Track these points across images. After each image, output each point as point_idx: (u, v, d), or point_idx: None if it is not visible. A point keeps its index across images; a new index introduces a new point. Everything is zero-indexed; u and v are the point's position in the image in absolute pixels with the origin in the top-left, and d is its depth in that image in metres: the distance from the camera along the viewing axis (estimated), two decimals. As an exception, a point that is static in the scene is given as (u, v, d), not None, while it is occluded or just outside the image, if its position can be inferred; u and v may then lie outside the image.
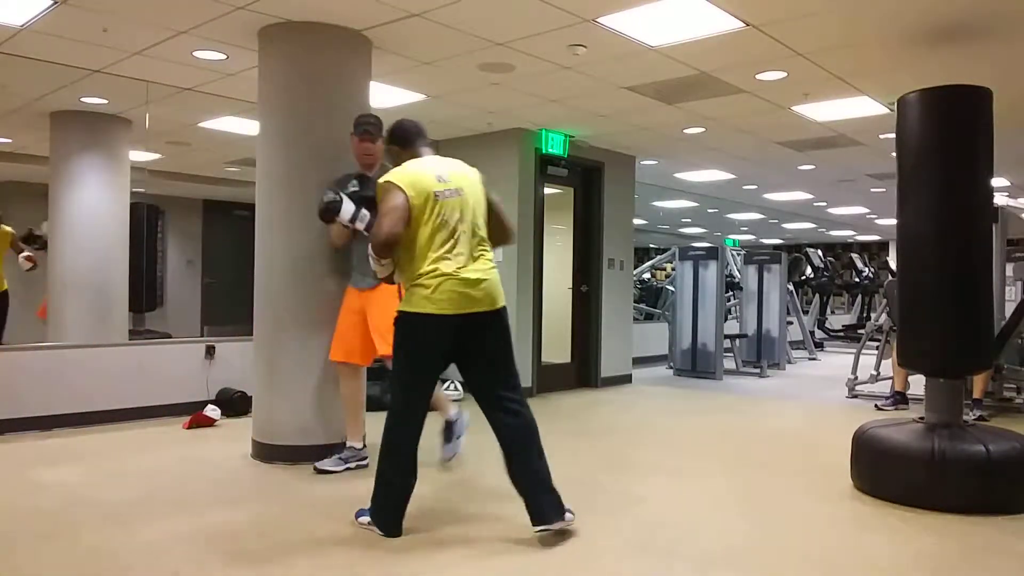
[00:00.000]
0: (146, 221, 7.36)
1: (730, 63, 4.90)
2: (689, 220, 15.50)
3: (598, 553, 2.85)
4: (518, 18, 4.14)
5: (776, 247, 17.66)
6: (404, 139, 3.23)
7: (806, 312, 12.22)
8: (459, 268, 2.92)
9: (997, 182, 9.41)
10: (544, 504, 2.92)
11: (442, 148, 6.84)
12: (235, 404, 5.47)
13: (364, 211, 3.63)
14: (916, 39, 4.37)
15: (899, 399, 6.34)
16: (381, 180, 3.01)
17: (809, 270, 12.38)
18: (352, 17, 4.16)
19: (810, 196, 11.53)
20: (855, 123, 6.45)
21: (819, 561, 2.84)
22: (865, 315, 13.39)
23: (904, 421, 3.84)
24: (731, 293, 10.07)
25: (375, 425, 4.04)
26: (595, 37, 4.40)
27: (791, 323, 10.57)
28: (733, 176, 9.50)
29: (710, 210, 13.52)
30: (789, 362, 9.96)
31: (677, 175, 9.50)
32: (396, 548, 2.87)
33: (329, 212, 3.66)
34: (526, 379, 3.04)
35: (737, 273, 10.19)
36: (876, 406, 6.39)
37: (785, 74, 5.09)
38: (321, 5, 4.02)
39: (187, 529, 3.07)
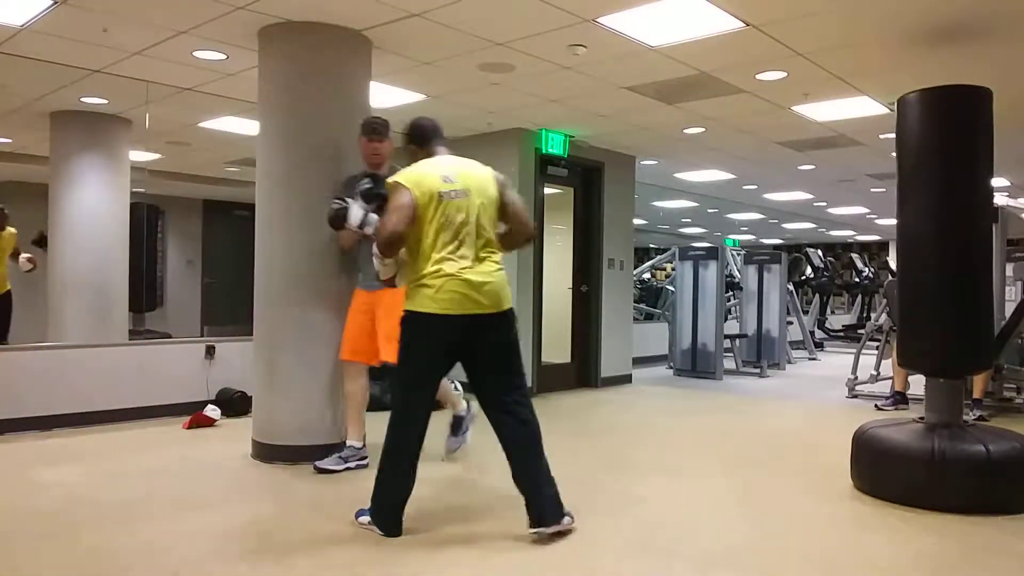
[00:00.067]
0: (146, 221, 7.36)
1: (730, 63, 4.90)
2: (689, 220, 15.50)
3: (598, 553, 2.85)
4: (518, 18, 4.14)
5: (776, 247, 17.66)
6: (421, 137, 3.23)
7: (806, 312, 12.22)
8: (462, 269, 2.92)
9: (997, 182, 9.41)
10: (540, 507, 2.92)
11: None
12: (235, 404, 5.47)
13: (373, 215, 3.65)
14: (916, 39, 4.37)
15: (899, 399, 6.34)
16: (389, 180, 3.03)
17: (809, 270, 12.38)
18: (352, 17, 4.16)
19: (810, 196, 11.53)
20: (855, 123, 6.45)
21: (819, 561, 2.84)
22: (865, 315, 13.39)
23: (904, 421, 3.84)
24: (731, 293, 10.07)
25: (375, 425, 4.06)
26: (595, 37, 4.40)
27: (791, 323, 10.57)
28: (733, 176, 9.50)
29: (710, 210, 13.52)
30: (789, 362, 9.96)
31: (677, 175, 9.50)
32: (396, 548, 2.87)
33: (338, 219, 3.76)
34: (526, 379, 3.05)
35: (737, 273, 10.19)
36: (876, 406, 6.39)
37: (785, 74, 5.09)
38: (321, 5, 4.02)
39: (187, 529, 3.07)
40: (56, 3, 3.97)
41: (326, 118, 4.24)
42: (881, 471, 3.64)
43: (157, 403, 5.39)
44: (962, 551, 2.97)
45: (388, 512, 2.98)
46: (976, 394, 5.80)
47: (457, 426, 4.29)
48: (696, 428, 5.68)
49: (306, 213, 4.18)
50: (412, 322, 2.95)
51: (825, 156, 8.09)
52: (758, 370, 9.00)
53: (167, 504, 3.42)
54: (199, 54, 4.77)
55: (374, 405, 4.34)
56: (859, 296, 13.99)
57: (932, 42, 4.39)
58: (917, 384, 4.73)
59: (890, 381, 6.58)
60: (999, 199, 9.49)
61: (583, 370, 7.66)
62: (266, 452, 4.21)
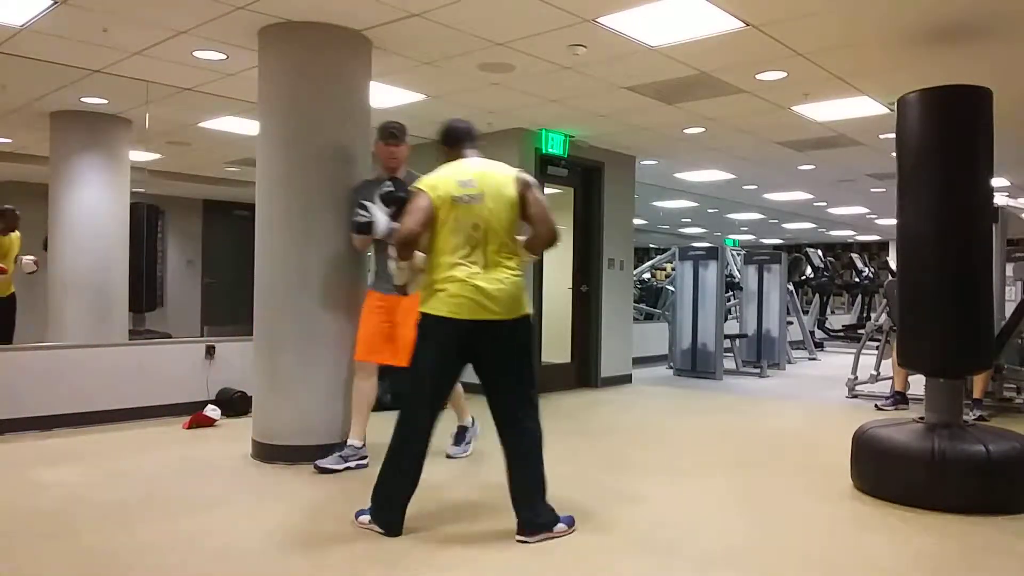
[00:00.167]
0: (146, 221, 7.36)
1: (730, 63, 4.90)
2: (689, 220, 15.50)
3: (598, 553, 2.85)
4: (518, 18, 4.14)
5: (776, 247, 17.66)
6: (451, 140, 3.24)
7: (806, 312, 12.22)
8: (472, 275, 2.93)
9: (997, 182, 9.41)
10: (523, 519, 2.94)
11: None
12: (235, 404, 5.47)
13: (395, 224, 3.68)
14: (916, 39, 4.37)
15: (899, 399, 6.35)
16: (412, 186, 3.10)
17: (809, 270, 12.38)
18: (352, 17, 4.16)
19: (810, 196, 11.53)
20: (855, 123, 6.45)
21: (819, 561, 2.84)
22: (865, 315, 13.39)
23: (904, 421, 3.84)
24: (731, 293, 10.07)
25: (375, 424, 4.07)
26: (595, 37, 4.40)
27: (791, 323, 10.57)
28: (733, 176, 9.50)
29: (710, 210, 13.52)
30: (789, 362, 9.96)
31: (677, 175, 9.50)
32: (396, 548, 2.87)
33: (365, 229, 3.85)
34: (536, 386, 3.05)
35: (737, 273, 10.19)
36: (876, 406, 6.40)
37: (785, 74, 5.09)
38: (321, 5, 4.02)
39: (187, 529, 3.07)
40: (56, 3, 3.97)
41: (326, 118, 4.24)
42: (881, 471, 3.64)
43: (157, 403, 5.39)
44: (962, 551, 2.97)
45: (387, 510, 2.98)
46: (976, 394, 5.80)
47: (461, 437, 4.34)
48: (696, 428, 5.68)
49: (306, 213, 4.18)
50: (423, 324, 2.98)
51: (825, 156, 8.09)
52: (758, 370, 9.00)
53: (167, 504, 3.42)
54: (199, 54, 4.77)
55: (375, 405, 4.34)
56: (859, 296, 13.99)
57: (932, 42, 4.39)
58: (917, 384, 4.73)
59: (890, 381, 6.58)
60: (999, 199, 9.50)
61: (583, 370, 7.66)
62: (266, 452, 4.21)
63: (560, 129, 6.92)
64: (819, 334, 12.73)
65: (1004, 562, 2.87)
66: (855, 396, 7.04)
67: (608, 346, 7.76)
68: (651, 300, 10.78)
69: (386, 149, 4.06)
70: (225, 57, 4.81)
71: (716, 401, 7.00)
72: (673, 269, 9.74)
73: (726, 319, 9.24)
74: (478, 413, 4.41)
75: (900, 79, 4.66)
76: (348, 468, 3.94)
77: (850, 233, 18.14)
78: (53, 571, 2.63)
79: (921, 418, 3.77)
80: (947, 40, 4.35)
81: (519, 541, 2.91)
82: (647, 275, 12.04)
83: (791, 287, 10.77)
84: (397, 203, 3.77)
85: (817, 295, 12.99)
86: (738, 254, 10.63)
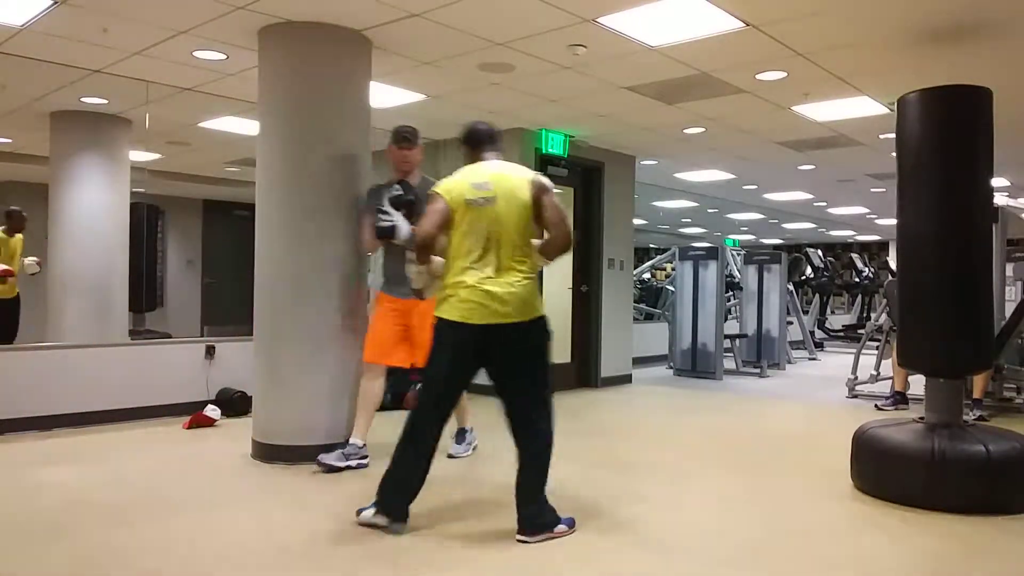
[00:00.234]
0: (146, 221, 7.37)
1: (730, 63, 4.90)
2: (689, 220, 15.50)
3: (598, 552, 2.85)
4: (518, 18, 4.14)
5: (776, 247, 17.66)
6: (472, 142, 3.24)
7: (806, 312, 12.22)
8: (483, 280, 2.94)
9: (997, 182, 9.41)
10: (526, 517, 2.96)
11: (443, 148, 6.85)
12: (235, 404, 5.47)
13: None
14: (916, 39, 4.36)
15: (899, 399, 6.34)
16: (430, 190, 3.13)
17: (809, 270, 12.38)
18: (352, 17, 4.16)
19: (810, 196, 11.53)
20: (855, 123, 6.45)
21: (819, 561, 2.84)
22: (865, 315, 13.39)
23: (904, 421, 3.84)
24: (731, 293, 10.07)
25: (377, 425, 4.07)
26: (595, 37, 4.39)
27: (791, 323, 10.57)
28: (733, 176, 9.49)
29: (710, 210, 13.52)
30: (789, 362, 9.96)
31: (677, 175, 9.50)
32: (396, 547, 2.87)
33: (388, 234, 3.86)
34: (550, 389, 3.05)
35: (737, 273, 10.18)
36: (876, 406, 6.39)
37: (785, 74, 5.09)
38: (321, 5, 4.02)
39: (187, 529, 3.07)
40: (56, 3, 3.97)
41: (326, 118, 4.24)
42: (881, 471, 3.64)
43: (157, 403, 5.38)
44: (962, 551, 2.97)
45: (393, 494, 3.01)
46: (976, 394, 5.80)
47: (461, 438, 4.36)
48: (696, 428, 5.68)
49: (306, 213, 4.18)
50: (437, 328, 3.02)
51: (825, 156, 8.09)
52: (758, 370, 9.00)
53: (167, 504, 3.42)
54: (199, 54, 4.77)
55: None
56: (859, 296, 13.99)
57: (932, 42, 4.38)
58: (917, 384, 4.73)
59: (890, 381, 6.58)
60: (999, 199, 9.50)
61: (583, 370, 7.66)
62: (266, 452, 4.21)
63: (560, 129, 6.92)
64: (819, 334, 12.73)
65: (1004, 562, 2.87)
66: (855, 396, 7.04)
67: (608, 346, 7.75)
68: (651, 300, 10.78)
69: (399, 153, 4.09)
70: (225, 57, 4.81)
71: (716, 401, 7.00)
72: (673, 269, 9.74)
73: (726, 319, 9.24)
74: (488, 412, 4.43)
75: (900, 79, 4.66)
76: (349, 467, 3.95)
77: (850, 233, 18.14)
78: (53, 571, 2.63)
79: (921, 418, 3.77)
80: (947, 40, 4.34)
81: (519, 541, 2.92)
82: (647, 275, 12.04)
83: (791, 287, 10.77)
84: (406, 206, 3.85)
85: (817, 295, 13.00)
86: (738, 254, 10.63)
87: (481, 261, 2.96)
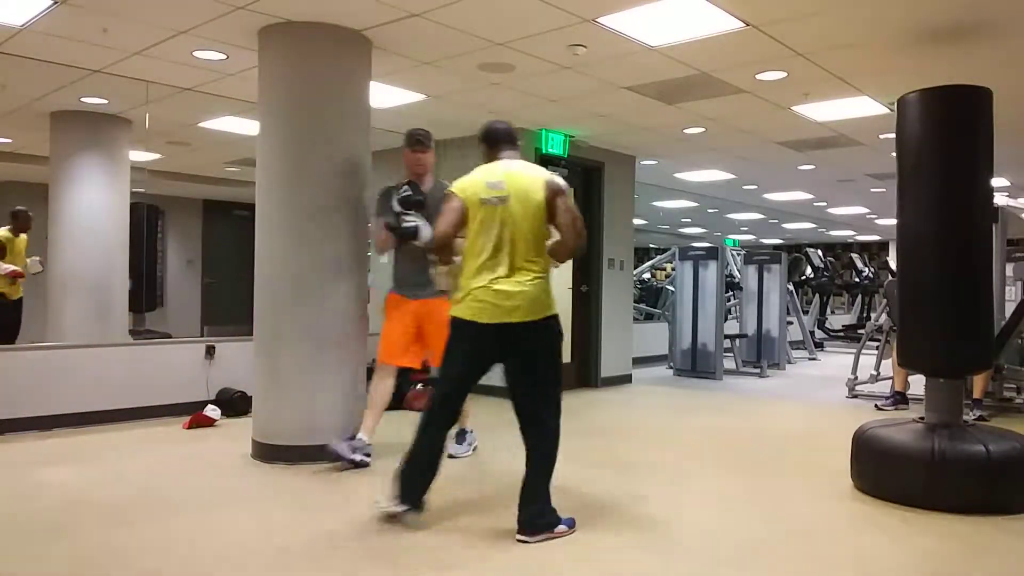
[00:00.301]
0: (146, 221, 7.37)
1: (730, 63, 4.90)
2: (689, 220, 15.50)
3: (598, 552, 2.85)
4: (518, 18, 4.14)
5: (776, 247, 17.67)
6: (490, 140, 3.25)
7: (806, 312, 12.22)
8: (493, 279, 2.96)
9: (997, 182, 9.41)
10: (526, 516, 2.97)
11: (443, 148, 6.82)
12: (235, 404, 5.47)
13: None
14: (916, 39, 4.36)
15: (899, 399, 6.34)
16: (446, 190, 3.17)
17: (809, 270, 12.38)
18: (352, 17, 4.16)
19: (810, 196, 11.54)
20: (855, 123, 6.45)
21: (819, 561, 2.84)
22: (865, 315, 13.39)
23: (904, 421, 3.84)
24: (731, 293, 10.07)
25: (380, 425, 4.07)
26: (595, 37, 4.39)
27: (791, 323, 10.57)
28: (733, 176, 9.50)
29: (710, 210, 13.52)
30: (789, 362, 9.96)
31: (677, 175, 9.50)
32: (397, 548, 2.87)
33: (410, 234, 3.87)
34: (560, 389, 3.06)
35: (737, 273, 10.19)
36: (876, 406, 6.39)
37: (785, 74, 5.09)
38: (321, 5, 4.02)
39: (187, 529, 3.07)
40: (56, 3, 3.97)
41: (327, 118, 4.24)
42: (881, 471, 3.64)
43: (157, 403, 5.39)
44: (963, 551, 2.97)
45: (405, 479, 3.06)
46: (976, 394, 5.80)
47: (462, 438, 4.37)
48: (696, 428, 5.68)
49: (307, 212, 4.18)
50: (452, 326, 3.07)
51: (825, 156, 8.09)
52: (758, 370, 9.00)
53: (167, 504, 3.42)
54: (199, 54, 4.77)
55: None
56: (859, 296, 13.99)
57: (932, 42, 4.39)
58: (917, 384, 4.73)
59: (890, 381, 6.58)
60: (999, 199, 9.50)
61: (583, 370, 7.65)
62: (266, 452, 4.21)
63: (560, 129, 6.92)
64: (819, 334, 12.73)
65: (1005, 562, 2.87)
66: (855, 396, 7.04)
67: (608, 346, 7.75)
68: (651, 300, 10.78)
69: (412, 156, 4.12)
70: (225, 57, 4.81)
71: (716, 401, 6.99)
72: (673, 269, 9.74)
73: (726, 319, 9.24)
74: (488, 412, 4.43)
75: (900, 79, 4.67)
76: (353, 461, 3.95)
77: (850, 233, 18.14)
78: (53, 571, 2.63)
79: (921, 418, 3.77)
80: (947, 40, 4.35)
81: (519, 541, 2.92)
82: (647, 275, 12.04)
83: (791, 287, 10.77)
84: (415, 207, 3.87)
85: (817, 295, 13.00)
86: (738, 254, 10.63)
87: (494, 260, 2.97)
